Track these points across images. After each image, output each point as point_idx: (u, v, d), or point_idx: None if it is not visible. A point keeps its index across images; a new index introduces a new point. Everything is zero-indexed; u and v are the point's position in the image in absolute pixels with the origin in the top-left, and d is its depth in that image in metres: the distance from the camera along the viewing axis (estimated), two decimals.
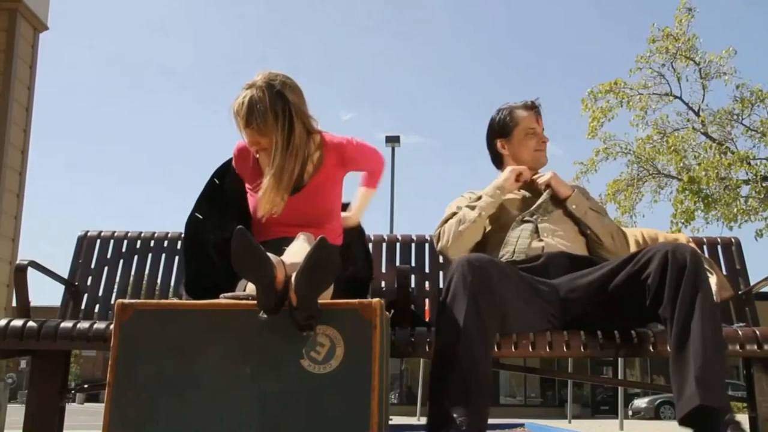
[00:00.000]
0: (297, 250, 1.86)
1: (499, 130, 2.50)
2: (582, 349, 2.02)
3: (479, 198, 2.35)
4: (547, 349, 2.01)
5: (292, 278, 1.61)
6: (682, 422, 1.68)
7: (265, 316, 1.62)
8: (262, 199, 2.10)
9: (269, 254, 1.66)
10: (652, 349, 2.02)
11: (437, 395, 1.70)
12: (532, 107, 2.49)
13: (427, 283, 2.73)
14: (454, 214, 2.38)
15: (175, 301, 1.75)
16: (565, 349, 2.02)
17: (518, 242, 2.24)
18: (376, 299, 1.65)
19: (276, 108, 2.07)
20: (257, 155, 2.20)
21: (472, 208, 2.32)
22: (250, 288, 1.96)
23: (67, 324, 2.18)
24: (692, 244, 2.73)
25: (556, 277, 2.11)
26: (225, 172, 2.31)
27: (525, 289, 1.99)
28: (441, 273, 2.75)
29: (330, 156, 2.19)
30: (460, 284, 1.80)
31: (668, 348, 1.80)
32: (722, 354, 1.75)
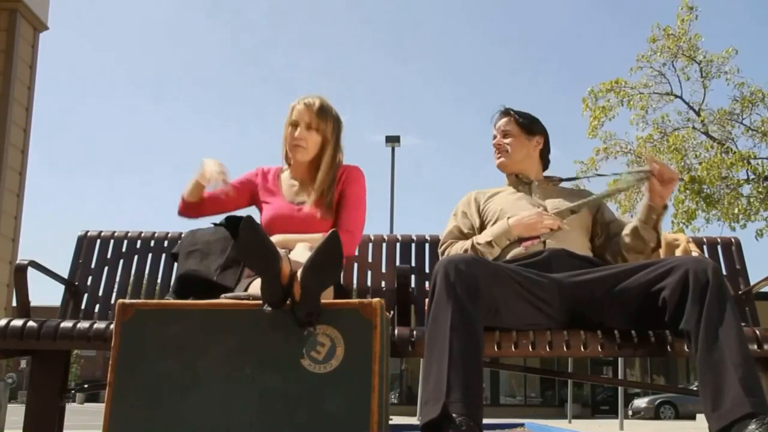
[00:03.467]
0: (300, 253, 1.88)
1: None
2: (582, 349, 2.02)
3: (489, 243, 2.28)
4: (547, 349, 2.01)
5: (299, 272, 1.61)
6: (723, 431, 1.65)
7: (269, 309, 1.62)
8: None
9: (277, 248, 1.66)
10: (651, 350, 2.03)
11: (431, 396, 1.69)
12: (496, 113, 2.58)
13: (427, 283, 2.73)
14: (456, 228, 2.41)
15: (176, 301, 1.75)
16: (565, 349, 2.02)
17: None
18: (376, 299, 1.65)
19: (334, 120, 2.43)
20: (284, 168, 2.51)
21: (482, 245, 2.28)
22: (252, 288, 1.96)
23: (67, 324, 2.18)
24: (692, 245, 2.73)
25: (558, 272, 2.11)
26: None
27: (518, 283, 2.00)
28: None
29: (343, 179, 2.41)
30: (443, 286, 1.81)
31: (696, 360, 1.78)
32: (754, 364, 1.75)
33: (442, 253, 2.39)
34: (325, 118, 2.39)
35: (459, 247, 2.33)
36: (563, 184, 2.53)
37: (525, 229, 2.25)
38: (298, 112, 2.40)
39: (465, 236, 2.41)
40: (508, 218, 2.30)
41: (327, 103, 2.44)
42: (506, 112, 2.55)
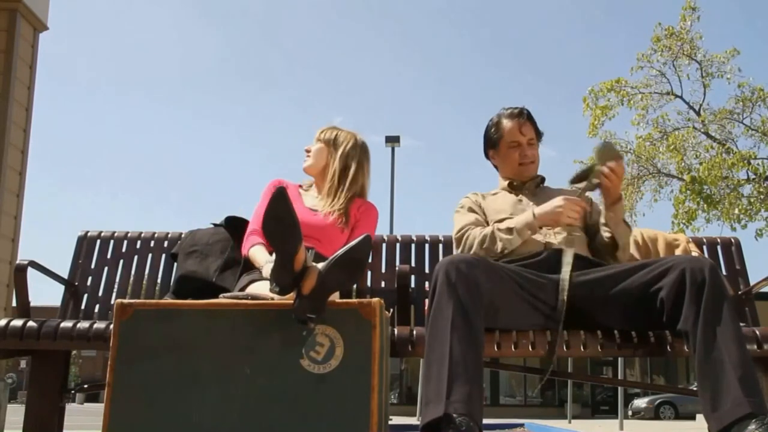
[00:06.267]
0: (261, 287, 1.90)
1: (489, 140, 2.51)
2: (582, 349, 2.02)
3: (509, 230, 2.22)
4: (547, 349, 2.01)
5: (319, 265, 1.61)
6: (723, 431, 1.64)
7: (277, 289, 1.60)
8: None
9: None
10: (651, 350, 2.03)
11: (431, 396, 1.69)
12: (517, 115, 2.45)
13: (426, 284, 2.73)
14: (477, 220, 2.34)
15: (175, 301, 1.75)
16: (565, 349, 2.02)
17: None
18: (376, 299, 1.65)
19: (343, 135, 2.53)
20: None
21: (503, 231, 2.23)
22: (252, 288, 1.96)
23: (67, 324, 2.18)
24: (692, 245, 2.73)
25: (557, 272, 2.11)
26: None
27: (518, 283, 1.99)
28: None
29: (354, 211, 2.46)
30: (444, 285, 1.80)
31: (695, 361, 1.77)
32: (753, 364, 1.74)
33: (459, 240, 2.32)
34: (332, 133, 2.54)
35: (479, 233, 2.27)
36: (555, 186, 2.52)
37: (551, 219, 2.20)
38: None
39: (479, 225, 2.35)
40: (533, 211, 2.23)
41: (341, 129, 2.58)
42: (531, 118, 2.47)
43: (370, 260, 2.77)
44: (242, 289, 2.05)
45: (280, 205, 1.59)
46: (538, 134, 2.50)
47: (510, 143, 2.45)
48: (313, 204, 2.47)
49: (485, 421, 1.89)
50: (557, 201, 2.20)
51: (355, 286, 2.70)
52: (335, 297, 1.75)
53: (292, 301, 1.62)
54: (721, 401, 1.66)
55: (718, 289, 1.81)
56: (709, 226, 12.75)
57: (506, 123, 2.46)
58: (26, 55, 4.86)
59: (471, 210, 2.41)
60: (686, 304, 1.82)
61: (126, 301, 1.69)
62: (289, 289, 1.60)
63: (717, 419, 1.66)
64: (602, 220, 2.32)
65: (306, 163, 2.53)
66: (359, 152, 2.54)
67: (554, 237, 2.25)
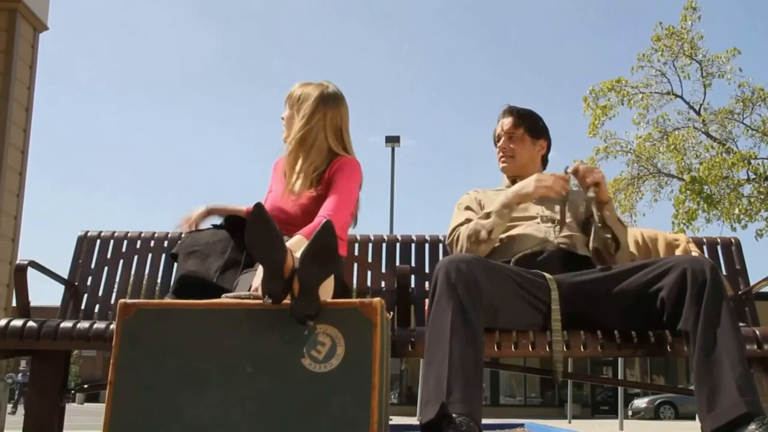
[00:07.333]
0: (295, 243, 1.88)
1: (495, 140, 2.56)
2: (582, 349, 2.02)
3: (488, 214, 2.24)
4: (547, 349, 2.01)
5: (296, 262, 1.61)
6: (720, 431, 1.65)
7: (270, 300, 1.61)
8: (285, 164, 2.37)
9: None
10: (651, 350, 2.03)
11: (431, 396, 1.69)
12: (502, 111, 2.50)
13: (427, 284, 2.73)
14: (467, 219, 2.34)
15: (178, 300, 1.75)
16: (564, 349, 2.02)
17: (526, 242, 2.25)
18: (377, 298, 1.65)
19: (309, 96, 2.34)
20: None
21: (482, 217, 2.24)
22: (256, 284, 1.96)
23: (67, 324, 2.18)
24: (692, 245, 2.73)
25: (557, 272, 2.11)
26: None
27: (518, 284, 1.99)
28: None
29: (327, 176, 2.29)
30: (444, 285, 1.80)
31: (693, 361, 1.77)
32: (749, 364, 1.74)
33: (451, 244, 2.33)
34: (297, 94, 2.37)
35: (464, 229, 2.27)
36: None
37: (522, 197, 2.20)
38: None
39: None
40: (508, 191, 2.25)
41: (307, 85, 2.39)
42: (513, 113, 2.48)
43: (370, 260, 2.77)
44: (248, 289, 2.05)
45: (258, 221, 1.58)
46: (531, 130, 2.47)
47: (494, 138, 2.51)
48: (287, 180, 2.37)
49: (485, 421, 1.89)
50: (535, 176, 2.22)
51: (355, 286, 2.71)
52: (327, 295, 1.74)
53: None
54: (717, 401, 1.66)
55: (719, 290, 1.81)
56: (709, 226, 12.77)
57: (500, 120, 2.52)
58: (26, 55, 4.86)
59: (468, 208, 2.41)
60: (687, 305, 1.81)
61: (129, 300, 1.69)
62: (282, 296, 1.60)
63: (713, 418, 1.66)
64: (597, 220, 2.30)
65: (283, 135, 2.41)
66: (320, 109, 2.31)
67: (554, 235, 2.25)
